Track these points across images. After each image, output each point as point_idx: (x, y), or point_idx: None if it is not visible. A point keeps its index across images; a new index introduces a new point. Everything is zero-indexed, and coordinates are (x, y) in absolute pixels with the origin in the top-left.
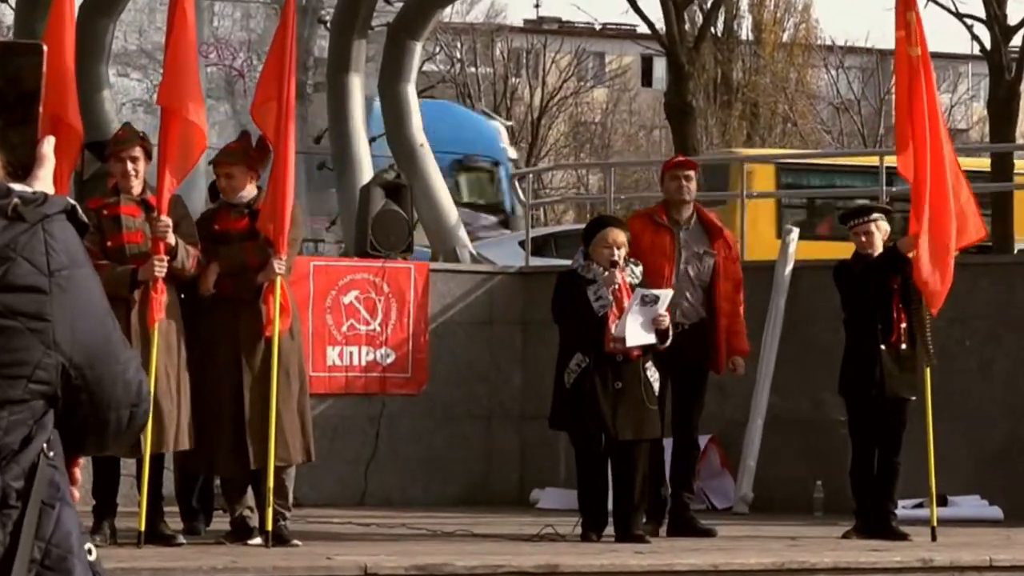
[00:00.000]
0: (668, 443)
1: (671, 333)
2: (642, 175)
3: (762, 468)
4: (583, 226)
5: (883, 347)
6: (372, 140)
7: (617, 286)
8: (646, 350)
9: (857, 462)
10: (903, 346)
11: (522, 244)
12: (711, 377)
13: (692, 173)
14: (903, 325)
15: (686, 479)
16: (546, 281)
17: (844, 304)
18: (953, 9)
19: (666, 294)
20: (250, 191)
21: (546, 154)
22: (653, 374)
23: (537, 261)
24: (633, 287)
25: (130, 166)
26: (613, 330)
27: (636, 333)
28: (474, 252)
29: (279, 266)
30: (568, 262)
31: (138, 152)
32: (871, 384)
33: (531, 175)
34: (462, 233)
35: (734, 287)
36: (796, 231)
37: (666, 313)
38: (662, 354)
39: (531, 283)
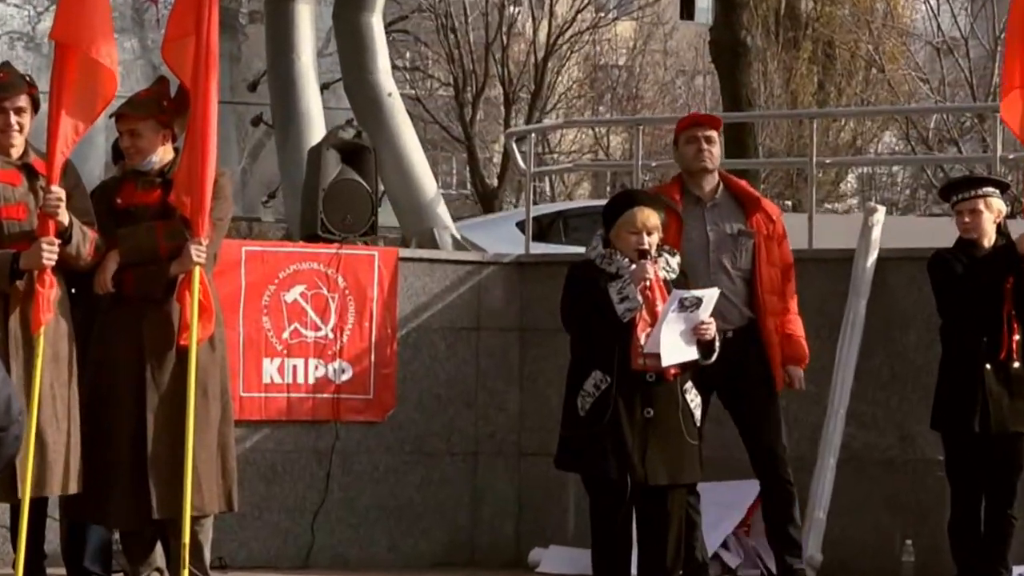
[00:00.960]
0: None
1: (717, 345)
2: None
3: (835, 522)
4: (603, 203)
5: (988, 366)
6: (325, 87)
7: (649, 283)
8: (685, 367)
9: (959, 515)
10: (1015, 364)
11: (521, 225)
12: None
13: (714, 134)
14: (1016, 338)
15: (787, 534)
16: (553, 274)
17: (940, 309)
18: None
19: (711, 295)
20: (163, 155)
21: (553, 107)
22: (694, 398)
23: (541, 248)
24: (669, 285)
25: (13, 119)
26: (643, 342)
27: (674, 347)
28: (458, 236)
29: (198, 253)
30: (582, 250)
31: (24, 102)
32: (972, 414)
33: (533, 135)
34: (442, 210)
35: (782, 274)
36: (882, 210)
37: (711, 320)
38: (707, 373)
39: (533, 277)
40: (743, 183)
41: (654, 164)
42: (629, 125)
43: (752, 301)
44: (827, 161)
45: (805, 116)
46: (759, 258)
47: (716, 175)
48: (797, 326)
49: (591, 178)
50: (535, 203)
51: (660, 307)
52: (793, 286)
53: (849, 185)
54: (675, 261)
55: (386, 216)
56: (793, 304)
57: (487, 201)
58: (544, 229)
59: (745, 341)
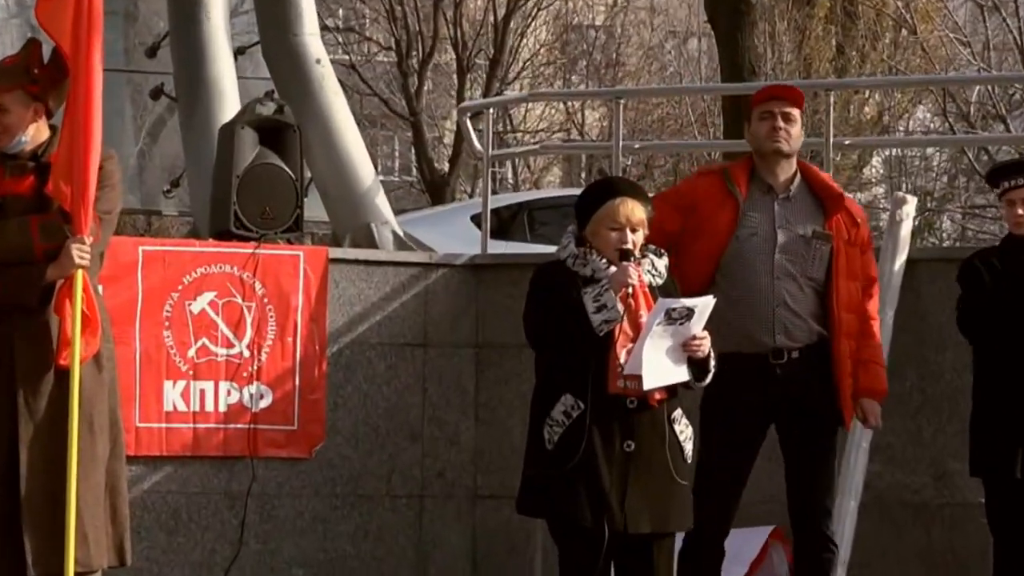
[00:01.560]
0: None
1: (713, 364)
2: (671, 111)
3: None
4: (576, 192)
5: None
6: (240, 52)
7: (631, 289)
8: (673, 391)
9: (1003, 570)
10: None
11: (477, 219)
12: (771, 434)
13: (794, 112)
14: None
15: None
16: (515, 279)
17: (965, 328)
18: None
19: (704, 304)
20: (35, 134)
21: (517, 76)
22: (683, 429)
23: (501, 247)
24: (655, 292)
25: None
26: (623, 360)
27: (658, 367)
28: (400, 232)
29: (81, 253)
30: (550, 249)
31: None
32: (1013, 457)
33: (492, 109)
34: (381, 201)
35: (863, 289)
36: (912, 201)
37: (705, 334)
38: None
39: (491, 282)
40: (826, 176)
41: (637, 145)
42: (608, 98)
43: (825, 318)
44: (847, 142)
45: (821, 87)
46: (836, 267)
47: (793, 163)
48: (877, 352)
49: (562, 162)
50: (494, 192)
51: (644, 318)
52: (876, 304)
53: (874, 170)
54: (662, 263)
55: (314, 208)
56: (875, 326)
57: (436, 190)
58: (505, 224)
59: (811, 363)
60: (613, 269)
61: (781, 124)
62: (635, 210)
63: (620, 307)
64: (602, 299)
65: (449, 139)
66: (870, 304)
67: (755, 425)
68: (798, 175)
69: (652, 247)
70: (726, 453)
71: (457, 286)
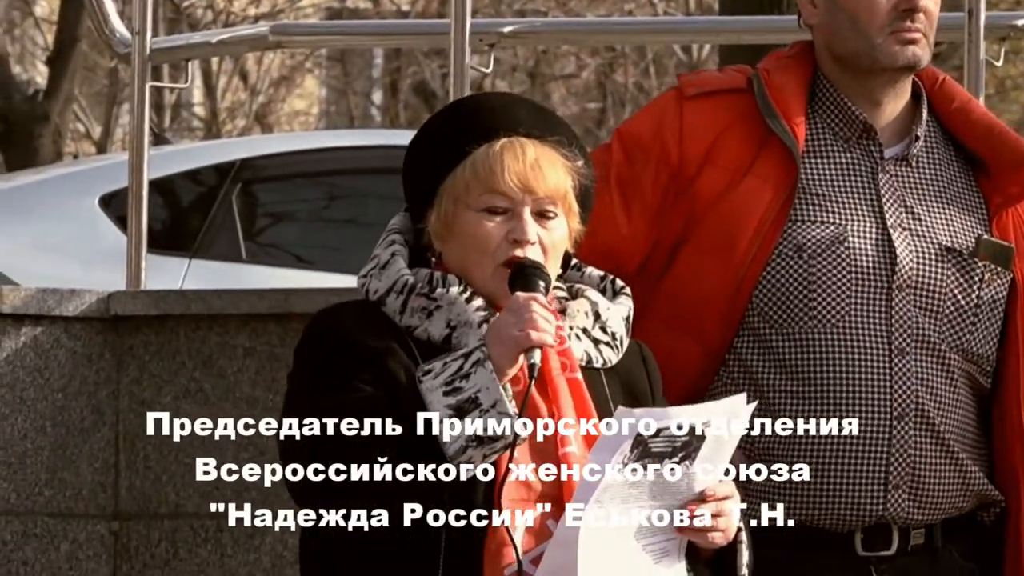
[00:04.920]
0: None
1: (746, 561)
2: None
3: None
4: (378, 141)
5: None
6: None
7: (537, 361)
8: None
9: None
10: None
11: (117, 207)
12: None
13: None
14: None
15: None
16: (211, 351)
17: None
18: None
19: (731, 409)
20: None
21: None
22: None
23: (173, 272)
24: (604, 399)
25: None
26: (521, 554)
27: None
28: None
29: None
30: (307, 276)
31: None
32: None
33: None
34: None
35: None
36: None
37: (731, 491)
38: None
39: (148, 357)
40: (1001, 124)
41: (508, 29)
42: None
43: (997, 453)
44: (1022, 21)
45: None
46: (1017, 329)
47: (925, 79)
48: None
49: (331, 66)
50: (159, 140)
51: (573, 452)
52: None
53: None
54: (618, 311)
55: None
56: None
57: (17, 133)
58: (186, 216)
59: (959, 567)
60: (495, 315)
61: (919, 2)
62: (543, 166)
63: (512, 408)
64: (470, 388)
65: (46, 9)
66: None
67: None
68: (924, 103)
69: (594, 270)
70: None
71: (72, 368)
